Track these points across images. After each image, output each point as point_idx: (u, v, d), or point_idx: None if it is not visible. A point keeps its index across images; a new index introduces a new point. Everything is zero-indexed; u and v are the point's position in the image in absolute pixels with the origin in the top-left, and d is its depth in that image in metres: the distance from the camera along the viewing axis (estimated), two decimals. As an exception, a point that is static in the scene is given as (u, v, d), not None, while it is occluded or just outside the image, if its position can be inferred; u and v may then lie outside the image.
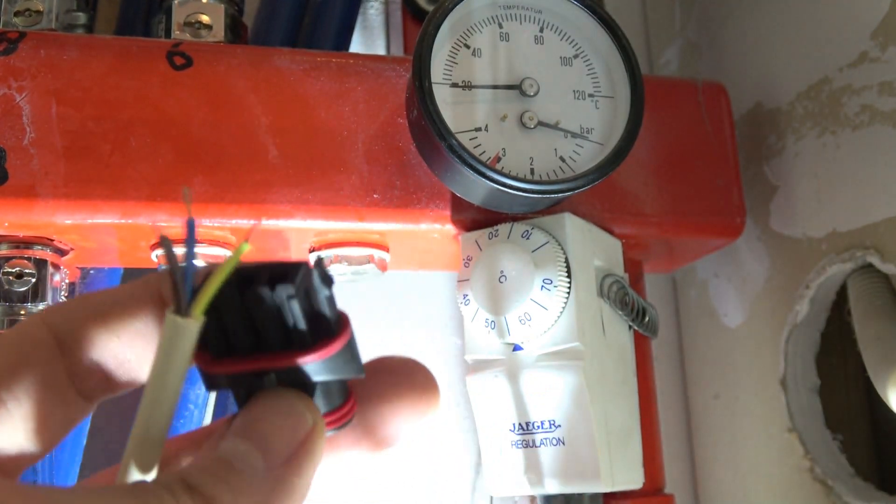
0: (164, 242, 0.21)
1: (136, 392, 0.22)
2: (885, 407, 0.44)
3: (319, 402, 0.23)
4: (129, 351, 0.22)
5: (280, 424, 0.21)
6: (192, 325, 0.20)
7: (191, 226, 0.21)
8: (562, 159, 0.43)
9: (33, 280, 0.42)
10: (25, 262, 0.42)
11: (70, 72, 0.41)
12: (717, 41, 0.61)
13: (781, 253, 0.54)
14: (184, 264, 0.20)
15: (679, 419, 0.65)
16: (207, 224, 0.41)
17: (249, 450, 0.20)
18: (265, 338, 0.21)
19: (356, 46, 0.62)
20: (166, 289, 0.23)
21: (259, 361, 0.21)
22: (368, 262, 0.45)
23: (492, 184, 0.40)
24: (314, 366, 0.22)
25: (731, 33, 0.59)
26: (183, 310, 0.20)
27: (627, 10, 0.72)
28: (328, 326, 0.22)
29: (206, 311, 0.20)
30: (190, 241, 0.21)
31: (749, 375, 0.57)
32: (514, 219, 0.44)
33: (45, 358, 0.21)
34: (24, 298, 0.41)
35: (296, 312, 0.21)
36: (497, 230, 0.44)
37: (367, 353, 0.65)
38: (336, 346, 0.22)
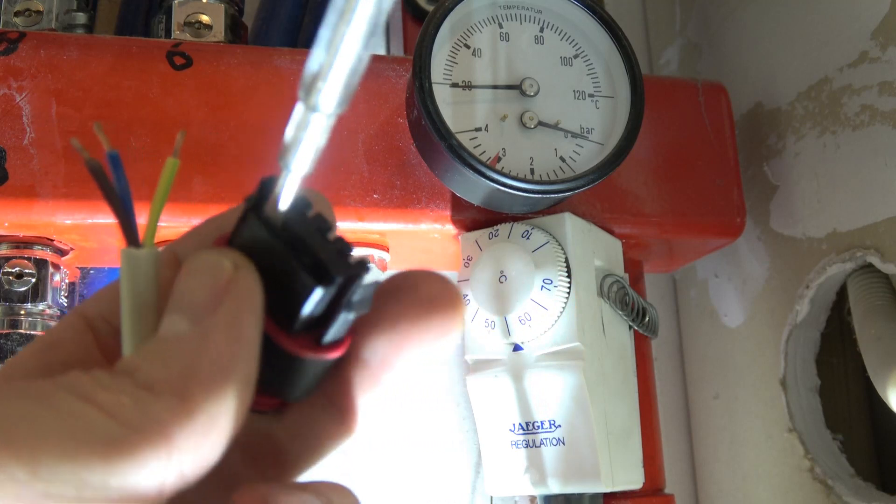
0: (96, 173, 0.21)
1: None
2: (885, 407, 0.44)
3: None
4: None
5: (194, 280, 0.20)
6: (148, 254, 0.21)
7: (115, 158, 0.21)
8: (562, 159, 0.43)
9: (33, 280, 0.42)
10: (25, 262, 0.41)
11: (70, 72, 0.41)
12: (717, 41, 0.61)
13: (781, 253, 0.54)
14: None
15: (679, 419, 0.65)
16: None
17: (170, 317, 0.20)
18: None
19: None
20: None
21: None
22: (368, 262, 0.45)
23: (492, 184, 0.40)
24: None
25: (731, 33, 0.59)
26: (134, 240, 0.21)
27: (627, 10, 0.72)
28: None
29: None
30: (119, 174, 0.21)
31: (749, 375, 0.56)
32: (514, 219, 0.44)
33: (79, 338, 0.22)
34: (24, 298, 0.41)
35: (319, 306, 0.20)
36: (497, 230, 0.44)
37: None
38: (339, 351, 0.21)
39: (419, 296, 0.22)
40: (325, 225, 0.20)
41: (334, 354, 0.21)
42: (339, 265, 0.20)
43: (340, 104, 0.18)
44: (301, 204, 0.20)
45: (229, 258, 0.20)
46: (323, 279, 0.20)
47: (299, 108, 0.19)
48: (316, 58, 0.18)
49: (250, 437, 0.23)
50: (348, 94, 0.18)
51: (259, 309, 0.20)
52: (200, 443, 0.18)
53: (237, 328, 0.19)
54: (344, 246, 0.20)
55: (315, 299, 0.20)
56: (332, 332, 0.21)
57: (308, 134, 0.19)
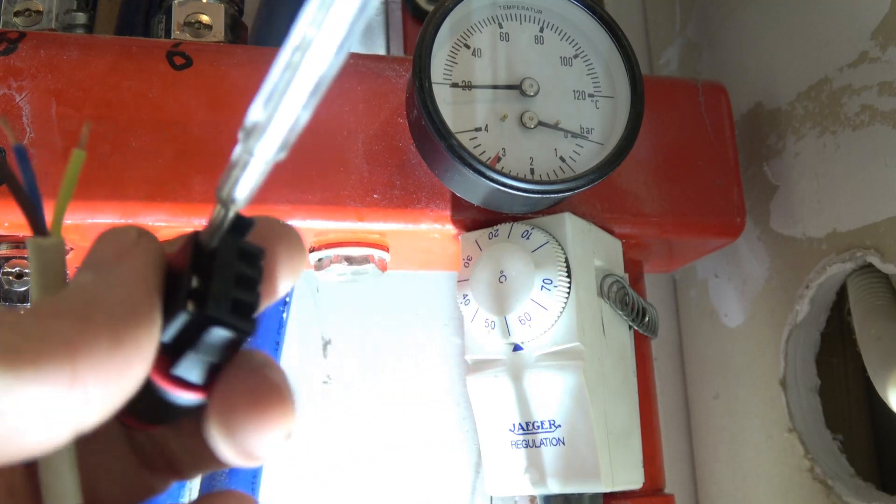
0: (1, 164, 0.21)
1: None
2: (885, 407, 0.44)
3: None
4: None
5: (101, 243, 0.21)
6: (55, 244, 0.21)
7: (21, 151, 0.21)
8: (562, 159, 0.43)
9: (33, 280, 0.42)
10: (25, 262, 0.41)
11: (70, 72, 0.41)
12: (717, 41, 0.61)
13: (781, 253, 0.54)
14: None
15: (679, 419, 0.65)
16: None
17: (77, 275, 0.20)
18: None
19: (356, 46, 0.62)
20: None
21: None
22: (368, 262, 0.45)
23: (492, 184, 0.40)
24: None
25: (731, 33, 0.59)
26: (42, 231, 0.21)
27: (627, 10, 0.72)
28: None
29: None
30: (25, 167, 0.21)
31: (749, 375, 0.56)
32: (514, 219, 0.44)
33: None
34: (24, 298, 0.41)
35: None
36: (497, 230, 0.44)
37: (365, 354, 0.64)
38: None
39: (258, 381, 0.21)
40: (250, 268, 0.21)
41: (182, 393, 0.21)
42: (216, 303, 0.20)
43: (278, 152, 0.19)
44: (236, 241, 0.21)
45: (135, 229, 0.21)
46: (187, 306, 0.20)
47: (237, 149, 0.20)
48: (255, 111, 0.19)
49: (145, 444, 0.24)
50: (287, 143, 0.19)
51: (159, 266, 0.20)
52: (104, 363, 0.18)
53: (138, 275, 0.20)
54: (248, 295, 0.20)
55: (176, 323, 0.20)
56: (182, 367, 0.21)
57: (244, 174, 0.20)
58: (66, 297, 0.19)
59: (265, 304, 0.22)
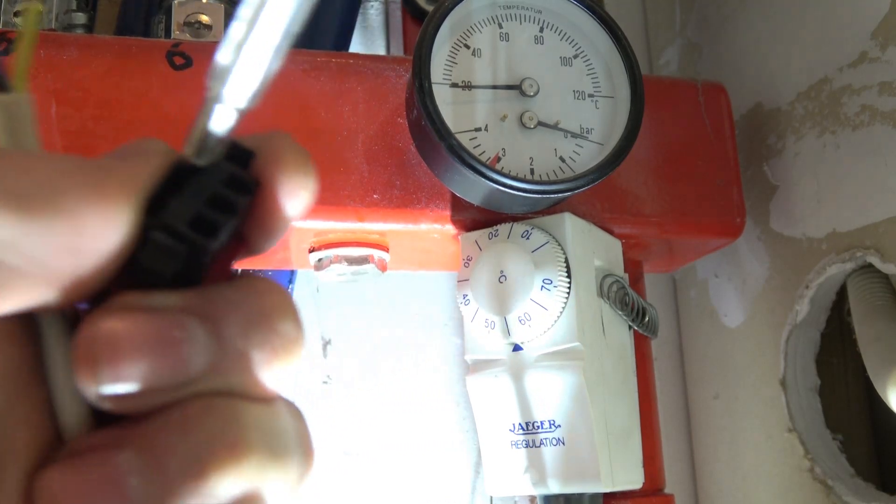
0: None
1: None
2: (885, 407, 0.44)
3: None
4: None
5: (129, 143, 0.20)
6: (22, 97, 0.20)
7: None
8: (562, 159, 0.43)
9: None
10: None
11: (70, 72, 0.41)
12: (717, 41, 0.61)
13: (781, 253, 0.54)
14: None
15: (679, 419, 0.65)
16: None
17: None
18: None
19: (356, 46, 0.62)
20: None
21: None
22: (368, 262, 0.45)
23: (492, 184, 0.40)
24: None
25: (731, 33, 0.59)
26: (5, 87, 0.20)
27: (627, 10, 0.72)
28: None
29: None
30: None
31: (749, 375, 0.56)
32: (514, 219, 0.44)
33: None
34: None
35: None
36: (497, 230, 0.44)
37: (365, 354, 0.65)
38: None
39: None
40: (233, 193, 0.20)
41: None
42: (171, 212, 0.19)
43: (250, 101, 0.19)
44: (229, 166, 0.20)
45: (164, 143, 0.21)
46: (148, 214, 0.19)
47: (206, 97, 0.19)
48: (224, 54, 0.18)
49: None
50: (258, 93, 0.19)
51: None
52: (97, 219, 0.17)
53: (141, 157, 0.19)
54: (216, 214, 0.19)
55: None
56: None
57: (210, 122, 0.19)
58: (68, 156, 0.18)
59: (262, 239, 0.21)
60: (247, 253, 0.21)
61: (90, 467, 0.17)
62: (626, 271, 0.48)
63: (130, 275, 0.19)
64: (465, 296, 0.43)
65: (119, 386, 0.17)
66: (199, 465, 0.17)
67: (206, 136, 0.20)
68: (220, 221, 0.19)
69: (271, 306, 0.20)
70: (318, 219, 0.42)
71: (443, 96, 0.41)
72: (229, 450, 0.18)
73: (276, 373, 0.20)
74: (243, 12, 0.18)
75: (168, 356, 0.18)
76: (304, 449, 0.20)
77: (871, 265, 0.47)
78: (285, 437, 0.20)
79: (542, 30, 0.45)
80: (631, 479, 0.44)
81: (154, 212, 0.19)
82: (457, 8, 0.42)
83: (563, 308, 0.41)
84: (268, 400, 0.20)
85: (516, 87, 0.43)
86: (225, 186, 0.20)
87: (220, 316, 0.19)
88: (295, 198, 0.21)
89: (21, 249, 0.17)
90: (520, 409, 0.42)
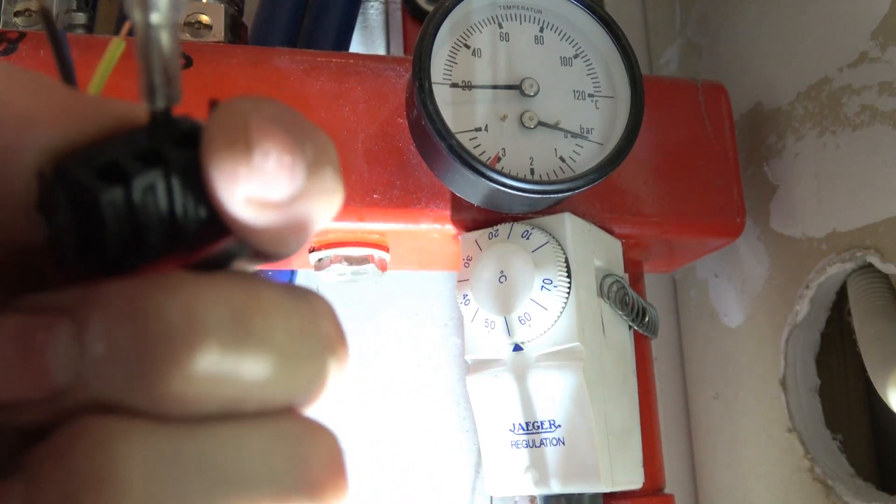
0: (45, 17, 0.22)
1: None
2: (885, 407, 0.44)
3: None
4: None
5: None
6: None
7: (48, 15, 0.22)
8: (562, 159, 0.43)
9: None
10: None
11: (70, 72, 0.41)
12: (717, 41, 0.61)
13: (781, 253, 0.54)
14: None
15: (679, 419, 0.65)
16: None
17: None
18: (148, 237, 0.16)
19: (356, 46, 0.62)
20: None
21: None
22: (368, 262, 0.45)
23: (492, 184, 0.40)
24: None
25: (732, 33, 0.59)
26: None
27: (627, 10, 0.72)
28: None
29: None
30: (51, 28, 0.21)
31: (749, 375, 0.56)
32: (514, 219, 0.44)
33: None
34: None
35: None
36: (497, 230, 0.44)
37: (366, 353, 0.64)
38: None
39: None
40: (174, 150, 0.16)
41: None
42: (75, 157, 0.16)
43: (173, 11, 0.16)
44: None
45: None
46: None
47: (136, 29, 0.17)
48: None
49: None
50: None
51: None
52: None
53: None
54: (134, 167, 0.16)
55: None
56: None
57: (147, 55, 0.17)
58: None
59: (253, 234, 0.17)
60: (263, 259, 0.18)
61: None
62: (626, 271, 0.48)
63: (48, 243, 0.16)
64: (465, 296, 0.43)
65: None
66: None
67: (150, 73, 0.16)
68: (136, 172, 0.15)
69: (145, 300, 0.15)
70: (318, 219, 0.42)
71: (443, 96, 0.41)
72: (97, 488, 0.14)
73: (162, 385, 0.15)
74: None
75: (27, 365, 0.15)
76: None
77: (871, 265, 0.47)
78: (188, 469, 0.15)
79: (542, 30, 0.45)
80: (631, 479, 0.44)
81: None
82: (457, 8, 0.42)
83: (563, 308, 0.41)
84: (184, 420, 0.15)
85: (516, 87, 0.43)
86: (167, 140, 0.16)
87: (87, 314, 0.15)
88: (226, 176, 0.16)
89: None
90: (520, 408, 0.42)
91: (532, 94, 0.43)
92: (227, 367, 0.15)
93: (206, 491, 0.15)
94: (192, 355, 0.15)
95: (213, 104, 0.17)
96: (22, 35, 0.41)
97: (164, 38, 0.16)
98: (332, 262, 0.45)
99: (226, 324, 0.15)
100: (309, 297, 0.18)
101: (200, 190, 0.16)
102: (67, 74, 0.21)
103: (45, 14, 0.22)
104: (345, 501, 0.17)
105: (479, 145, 0.41)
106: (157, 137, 0.16)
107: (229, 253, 0.17)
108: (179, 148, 0.16)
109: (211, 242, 0.17)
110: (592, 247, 0.45)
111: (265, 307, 0.16)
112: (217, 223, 0.16)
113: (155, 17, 0.16)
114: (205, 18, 0.47)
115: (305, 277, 0.57)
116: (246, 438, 0.16)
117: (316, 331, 0.18)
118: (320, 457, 0.17)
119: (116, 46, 0.21)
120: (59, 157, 0.16)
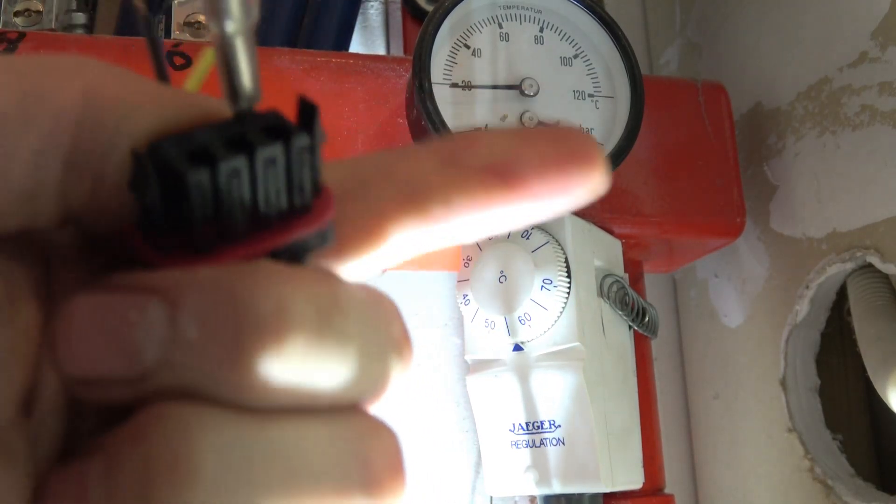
0: (145, 22, 0.22)
1: None
2: (885, 407, 0.44)
3: None
4: None
5: None
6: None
7: (148, 20, 0.23)
8: (562, 159, 0.43)
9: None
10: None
11: (70, 72, 0.41)
12: (717, 41, 0.61)
13: (781, 253, 0.54)
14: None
15: (679, 419, 0.65)
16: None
17: None
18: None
19: (356, 46, 0.62)
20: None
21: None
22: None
23: (492, 184, 0.40)
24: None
25: (731, 33, 0.59)
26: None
27: (627, 11, 0.72)
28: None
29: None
30: (149, 31, 0.22)
31: (749, 375, 0.56)
32: (514, 219, 0.44)
33: None
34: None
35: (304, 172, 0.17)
36: (497, 230, 0.44)
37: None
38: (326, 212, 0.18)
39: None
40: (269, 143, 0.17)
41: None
42: (169, 141, 0.16)
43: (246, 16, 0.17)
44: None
45: None
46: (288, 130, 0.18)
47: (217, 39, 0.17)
48: None
49: None
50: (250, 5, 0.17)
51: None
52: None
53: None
54: (224, 152, 0.16)
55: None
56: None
57: (228, 62, 0.17)
58: None
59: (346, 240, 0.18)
60: (342, 256, 0.19)
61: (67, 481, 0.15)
62: (626, 271, 0.48)
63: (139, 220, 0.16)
64: (465, 296, 0.43)
65: (75, 370, 0.15)
66: (142, 488, 0.14)
67: (231, 76, 0.17)
68: (223, 157, 0.16)
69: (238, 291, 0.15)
70: (318, 219, 0.42)
71: (443, 96, 0.41)
72: (171, 473, 0.14)
73: (250, 375, 0.15)
74: None
75: (117, 341, 0.15)
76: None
77: (871, 265, 0.47)
78: (258, 464, 0.15)
79: (542, 30, 0.45)
80: (631, 479, 0.44)
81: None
82: (457, 8, 0.43)
83: (563, 308, 0.41)
84: (257, 412, 0.16)
85: (516, 87, 0.43)
86: (253, 131, 0.17)
87: (180, 296, 0.15)
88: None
89: None
90: (520, 408, 0.42)
91: (532, 94, 0.43)
92: (309, 363, 0.16)
93: (272, 483, 0.15)
94: (280, 347, 0.15)
95: (300, 102, 0.18)
96: (22, 35, 0.41)
97: (240, 43, 0.17)
98: (332, 262, 0.45)
99: (312, 319, 0.16)
100: (380, 298, 0.19)
101: (283, 179, 0.17)
102: (162, 74, 0.21)
103: (144, 19, 0.22)
104: (402, 500, 0.18)
105: (479, 145, 0.41)
106: (245, 128, 0.17)
107: (307, 245, 0.17)
108: (265, 139, 0.17)
109: (290, 232, 0.17)
110: (592, 247, 0.45)
111: (347, 305, 0.17)
112: (296, 214, 0.17)
113: (230, 26, 0.17)
114: (205, 18, 0.47)
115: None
116: (314, 433, 0.16)
117: (387, 331, 0.18)
118: (382, 455, 0.17)
119: (208, 56, 0.22)
120: (153, 139, 0.16)
